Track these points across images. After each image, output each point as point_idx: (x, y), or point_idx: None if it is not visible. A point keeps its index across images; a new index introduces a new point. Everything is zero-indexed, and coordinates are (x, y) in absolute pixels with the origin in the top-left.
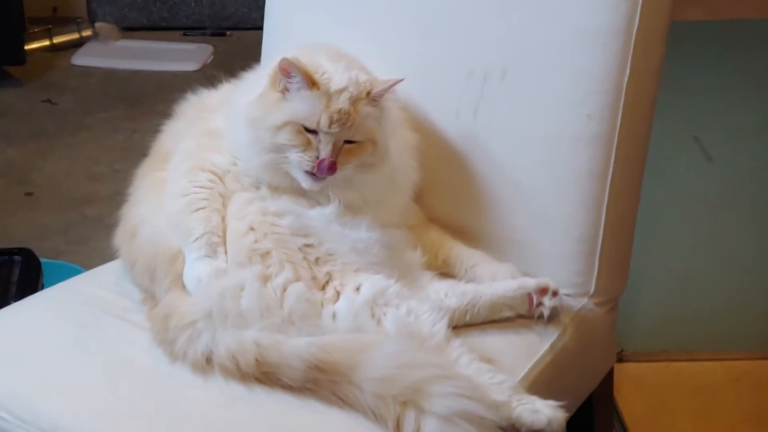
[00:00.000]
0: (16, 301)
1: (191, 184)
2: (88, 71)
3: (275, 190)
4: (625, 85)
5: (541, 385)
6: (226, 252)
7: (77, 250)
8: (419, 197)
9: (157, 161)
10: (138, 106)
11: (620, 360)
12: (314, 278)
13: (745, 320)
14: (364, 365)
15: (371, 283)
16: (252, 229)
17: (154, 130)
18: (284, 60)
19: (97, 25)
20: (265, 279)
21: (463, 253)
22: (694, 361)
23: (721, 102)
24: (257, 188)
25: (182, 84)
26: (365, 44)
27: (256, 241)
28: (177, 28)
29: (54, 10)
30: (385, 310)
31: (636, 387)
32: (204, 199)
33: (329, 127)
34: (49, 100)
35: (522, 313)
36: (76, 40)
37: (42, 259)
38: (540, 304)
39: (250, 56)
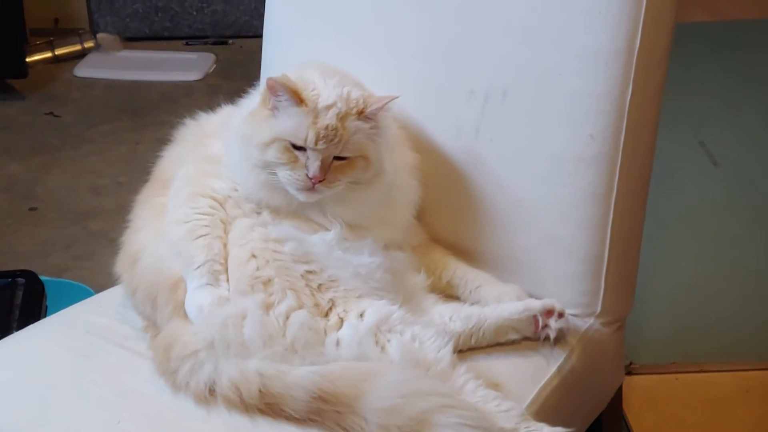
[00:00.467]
0: (19, 324)
1: (192, 210)
2: (90, 83)
3: (276, 213)
4: (627, 104)
5: (549, 408)
6: (228, 280)
7: (82, 265)
8: (421, 217)
9: (157, 187)
10: (141, 117)
11: (629, 373)
12: (317, 305)
13: (755, 330)
14: (368, 395)
15: (375, 309)
16: (254, 256)
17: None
18: (270, 79)
19: (99, 36)
20: (268, 307)
21: (467, 275)
22: (704, 372)
23: (726, 106)
24: (258, 214)
25: (185, 94)
26: (364, 62)
27: (258, 269)
28: (179, 37)
29: (56, 22)
30: (389, 337)
31: (645, 400)
32: (205, 226)
33: (316, 143)
34: (51, 113)
35: (528, 336)
36: (78, 51)
37: (45, 278)
38: (546, 326)
39: (253, 64)
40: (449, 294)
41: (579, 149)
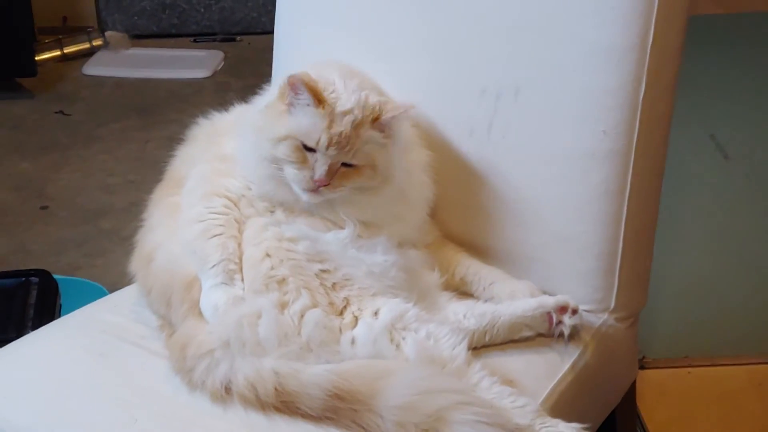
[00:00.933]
0: (34, 322)
1: (207, 210)
2: (99, 81)
3: (290, 212)
4: (640, 100)
5: (563, 404)
6: (242, 279)
7: (94, 263)
8: (434, 215)
9: (170, 186)
10: (150, 115)
11: (642, 367)
12: (331, 304)
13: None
14: (384, 393)
15: (389, 307)
16: (268, 255)
17: (167, 140)
18: (293, 76)
19: (108, 34)
20: (283, 306)
21: (480, 271)
22: (717, 366)
23: (737, 98)
24: (272, 213)
25: (194, 92)
26: (376, 60)
27: (272, 268)
28: (187, 34)
29: (64, 20)
30: (404, 335)
31: (658, 394)
32: (220, 225)
33: (327, 148)
34: (61, 112)
35: (542, 332)
36: (87, 49)
37: (59, 276)
38: (560, 322)
39: (261, 61)
40: (463, 291)
41: (592, 146)
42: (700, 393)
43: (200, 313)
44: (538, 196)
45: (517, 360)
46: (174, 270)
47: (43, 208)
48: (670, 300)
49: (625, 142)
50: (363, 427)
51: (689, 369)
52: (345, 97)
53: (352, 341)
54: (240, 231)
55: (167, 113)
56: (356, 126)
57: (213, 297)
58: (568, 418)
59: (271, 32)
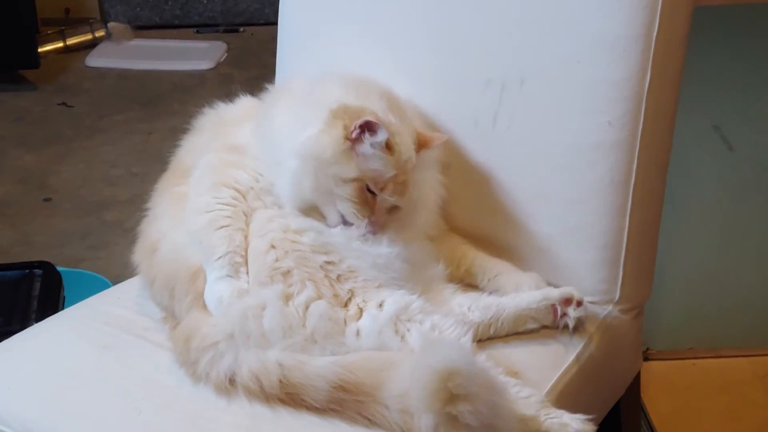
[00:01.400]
0: (37, 315)
1: (214, 200)
2: (102, 72)
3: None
4: (645, 91)
5: (568, 396)
6: (247, 272)
7: (97, 255)
8: (440, 207)
9: (176, 176)
10: (153, 107)
11: (646, 359)
12: (336, 296)
13: None
14: (388, 384)
15: (394, 299)
16: (273, 246)
17: (170, 132)
18: (369, 120)
19: (110, 25)
20: (287, 298)
21: (485, 263)
22: (721, 358)
23: (741, 89)
24: (279, 206)
25: (197, 83)
26: (381, 52)
27: (277, 260)
28: (189, 25)
29: (66, 11)
30: (408, 326)
31: (662, 386)
32: (227, 217)
33: (391, 195)
34: (64, 103)
35: (547, 324)
36: (90, 41)
37: (62, 268)
38: (564, 314)
39: (265, 52)
40: (468, 283)
41: (597, 137)
42: (705, 385)
43: (204, 306)
44: (543, 187)
45: (522, 351)
46: (178, 260)
47: (47, 200)
48: (674, 291)
49: (630, 133)
50: (368, 419)
51: (694, 360)
52: (406, 141)
53: (357, 333)
54: (247, 223)
55: (170, 105)
56: (411, 171)
57: (217, 289)
58: (573, 409)
59: (275, 23)
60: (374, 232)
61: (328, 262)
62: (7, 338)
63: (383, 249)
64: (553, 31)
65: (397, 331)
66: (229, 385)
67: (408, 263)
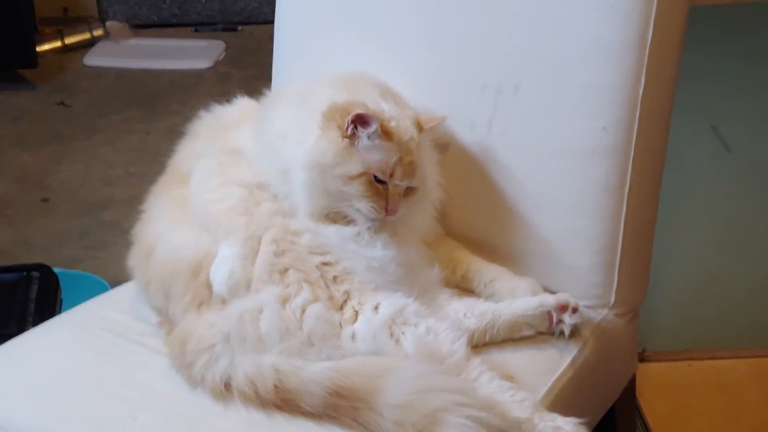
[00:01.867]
0: (34, 318)
1: (227, 195)
2: (100, 72)
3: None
4: (640, 96)
5: (563, 400)
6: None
7: (96, 255)
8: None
9: (173, 180)
10: (151, 106)
11: (642, 360)
12: (332, 298)
13: None
14: (383, 391)
15: (389, 302)
16: (275, 240)
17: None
18: (359, 113)
19: (108, 24)
20: (284, 301)
21: (481, 268)
22: (717, 359)
23: (739, 89)
24: (278, 201)
25: (195, 82)
26: (377, 55)
27: (275, 255)
28: (188, 24)
29: (65, 10)
30: (403, 329)
31: (658, 387)
32: (245, 208)
33: (401, 179)
34: (62, 103)
35: (542, 331)
36: (88, 40)
37: (59, 270)
38: (560, 321)
39: (263, 51)
40: (464, 288)
41: (592, 142)
42: (701, 386)
43: (201, 307)
44: (538, 191)
45: (517, 356)
46: (176, 259)
47: (44, 200)
48: (671, 292)
49: (625, 137)
50: (363, 425)
51: (690, 362)
52: (403, 123)
53: (353, 336)
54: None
55: (168, 104)
56: (416, 150)
57: (231, 264)
58: (568, 413)
59: (273, 22)
60: (390, 213)
61: (325, 263)
62: (4, 341)
63: (378, 252)
64: (549, 36)
65: (392, 335)
66: (225, 390)
67: (403, 267)
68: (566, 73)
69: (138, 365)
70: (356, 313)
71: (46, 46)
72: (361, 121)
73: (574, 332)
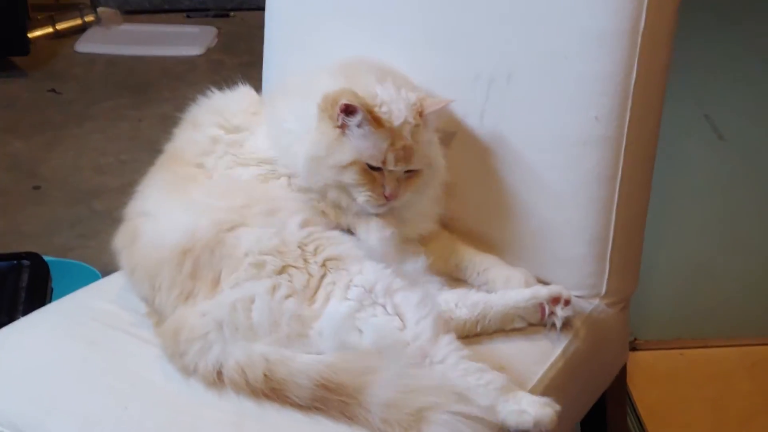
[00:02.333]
0: (25, 307)
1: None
2: (91, 58)
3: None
4: (632, 86)
5: (554, 389)
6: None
7: (87, 244)
8: None
9: (170, 162)
10: (142, 93)
11: (633, 349)
12: (310, 279)
13: (760, 305)
14: (370, 388)
15: (361, 278)
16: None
17: (160, 119)
18: (346, 102)
19: (100, 10)
20: (274, 290)
21: (475, 258)
22: (709, 348)
23: (731, 77)
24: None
25: (187, 69)
26: (369, 45)
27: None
28: (179, 10)
29: None
30: (367, 317)
31: (649, 376)
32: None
33: (395, 165)
34: (53, 90)
35: (534, 323)
36: (79, 26)
37: (50, 258)
38: (552, 314)
39: (255, 38)
40: (456, 278)
41: (584, 132)
42: (692, 374)
43: (187, 299)
44: (530, 182)
45: (508, 347)
46: (161, 247)
47: (36, 188)
48: (662, 281)
49: (617, 127)
50: (352, 419)
51: (681, 350)
52: (396, 108)
53: (320, 334)
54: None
55: (160, 92)
56: (413, 134)
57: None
58: (559, 402)
59: (264, 8)
60: (390, 199)
61: (309, 234)
62: None
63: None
64: (541, 26)
65: (354, 327)
66: (217, 378)
67: (391, 251)
68: (558, 62)
69: (128, 355)
70: (328, 297)
71: (37, 32)
72: (347, 110)
73: (566, 324)
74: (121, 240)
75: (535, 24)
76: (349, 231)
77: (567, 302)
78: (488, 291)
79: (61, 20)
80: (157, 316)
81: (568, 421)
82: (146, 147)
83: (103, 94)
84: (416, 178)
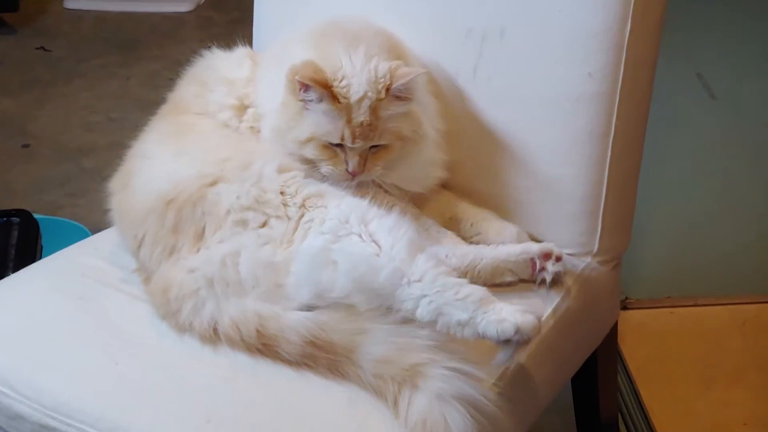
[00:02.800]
0: (15, 264)
1: None
2: (80, 15)
3: None
4: (626, 42)
5: (545, 348)
6: None
7: (76, 203)
8: None
9: (174, 110)
10: (132, 51)
11: (624, 308)
12: (289, 223)
13: (751, 263)
14: (362, 347)
15: (337, 211)
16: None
17: (149, 77)
18: (298, 77)
19: None
20: (257, 242)
21: (469, 210)
22: (699, 306)
23: (724, 36)
24: None
25: (176, 26)
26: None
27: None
28: None
29: None
30: (337, 255)
31: (640, 334)
32: None
33: (353, 141)
34: (42, 47)
35: (524, 278)
36: None
37: (40, 216)
38: (543, 269)
39: None
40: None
41: (577, 88)
42: (682, 333)
43: (172, 255)
44: (523, 139)
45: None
46: (148, 196)
47: (25, 146)
48: (653, 240)
49: (611, 84)
50: (342, 375)
51: (671, 309)
52: (356, 82)
53: (296, 277)
54: None
55: (149, 49)
56: (374, 109)
57: None
58: (550, 359)
59: None
60: (355, 175)
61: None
62: None
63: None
64: None
65: (329, 261)
66: (213, 335)
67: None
68: (552, 17)
69: (118, 311)
70: (306, 235)
71: None
72: (301, 86)
73: (557, 281)
74: (115, 182)
75: None
76: None
77: (558, 259)
78: (481, 242)
79: None
80: (145, 272)
81: (559, 378)
82: (135, 105)
83: (91, 52)
84: (385, 152)
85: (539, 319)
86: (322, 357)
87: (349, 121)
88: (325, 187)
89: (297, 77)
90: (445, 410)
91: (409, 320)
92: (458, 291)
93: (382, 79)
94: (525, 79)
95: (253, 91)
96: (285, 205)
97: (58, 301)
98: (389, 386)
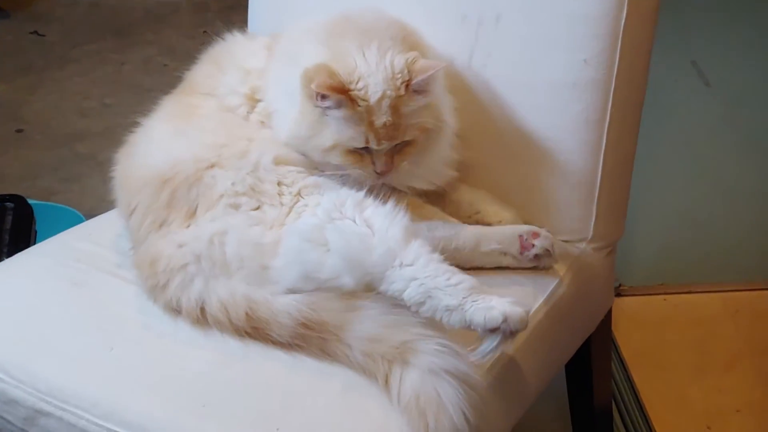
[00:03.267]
0: (9, 248)
1: None
2: None
3: None
4: (622, 28)
5: (540, 334)
6: None
7: (70, 188)
8: None
9: (186, 91)
10: (126, 36)
11: (618, 295)
12: (281, 209)
13: (745, 251)
14: (351, 325)
15: (330, 196)
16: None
17: (143, 62)
18: (314, 85)
19: None
20: (246, 223)
21: (468, 191)
22: (693, 293)
23: (719, 25)
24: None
25: (170, 12)
26: None
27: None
28: None
29: None
30: (339, 225)
31: (634, 321)
32: None
33: (378, 144)
34: (36, 32)
35: (512, 252)
36: None
37: (34, 201)
38: (532, 245)
39: None
40: (449, 214)
41: (573, 75)
42: (676, 320)
43: (161, 227)
44: (518, 125)
45: (494, 291)
46: (147, 171)
47: (19, 131)
48: (647, 227)
49: (606, 71)
50: (331, 355)
51: (665, 296)
52: (373, 81)
53: (284, 258)
54: None
55: (143, 34)
56: (395, 107)
57: None
58: (544, 346)
59: None
60: (384, 174)
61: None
62: None
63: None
64: None
65: (320, 241)
66: (201, 315)
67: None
68: (547, 4)
69: (113, 296)
70: (299, 216)
71: None
72: (318, 95)
73: (546, 257)
74: (120, 153)
75: None
76: None
77: (547, 237)
78: (478, 223)
79: None
80: (133, 241)
81: (553, 364)
82: (129, 90)
83: (85, 37)
84: (410, 146)
85: (527, 312)
86: (313, 336)
87: (371, 123)
88: (323, 180)
89: (313, 86)
90: (437, 385)
91: (397, 303)
92: (450, 277)
93: (400, 75)
94: (520, 66)
95: (265, 85)
96: (281, 194)
97: (52, 286)
98: (379, 365)
